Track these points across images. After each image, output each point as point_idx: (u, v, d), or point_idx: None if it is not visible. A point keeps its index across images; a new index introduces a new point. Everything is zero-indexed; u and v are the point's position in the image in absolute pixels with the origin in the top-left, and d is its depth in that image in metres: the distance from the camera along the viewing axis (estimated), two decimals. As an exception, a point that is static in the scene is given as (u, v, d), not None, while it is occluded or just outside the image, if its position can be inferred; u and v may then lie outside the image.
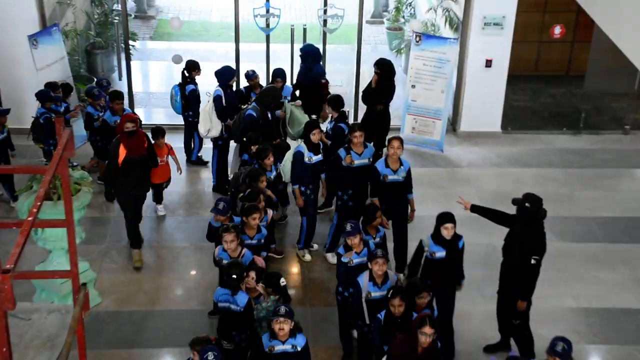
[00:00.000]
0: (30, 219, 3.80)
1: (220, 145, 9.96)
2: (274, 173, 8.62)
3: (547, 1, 13.12)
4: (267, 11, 11.54)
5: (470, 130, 11.68)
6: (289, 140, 9.64)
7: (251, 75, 10.07)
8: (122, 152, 8.27)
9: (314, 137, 8.51)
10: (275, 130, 9.64)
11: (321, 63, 10.63)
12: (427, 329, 5.99)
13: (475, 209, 7.66)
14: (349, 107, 10.92)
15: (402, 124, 11.36)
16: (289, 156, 8.88)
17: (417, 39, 11.03)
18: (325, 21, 11.71)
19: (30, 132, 9.64)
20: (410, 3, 14.32)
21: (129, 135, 8.28)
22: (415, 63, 11.10)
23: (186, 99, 10.17)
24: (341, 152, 8.47)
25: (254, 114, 9.21)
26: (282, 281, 6.87)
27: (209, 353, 5.88)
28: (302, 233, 8.95)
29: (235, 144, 9.94)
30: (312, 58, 10.32)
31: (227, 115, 9.65)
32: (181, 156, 10.36)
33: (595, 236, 9.63)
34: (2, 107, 10.05)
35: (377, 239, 7.59)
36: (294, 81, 10.73)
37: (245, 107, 9.49)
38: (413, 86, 11.16)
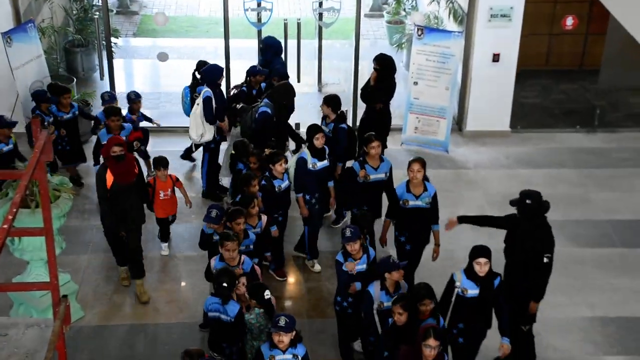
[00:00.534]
0: (5, 226, 3.82)
1: (211, 149, 9.97)
2: (285, 182, 8.47)
3: (558, -9, 13.20)
4: (259, 4, 11.59)
5: (477, 129, 11.71)
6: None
7: (258, 72, 10.08)
8: (109, 179, 8.02)
9: (318, 142, 8.46)
10: (286, 131, 9.70)
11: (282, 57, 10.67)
12: (432, 341, 6.01)
13: (464, 219, 7.69)
14: (347, 107, 10.94)
15: (404, 123, 11.39)
16: (292, 162, 8.81)
17: (419, 32, 11.07)
18: (320, 15, 11.76)
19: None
20: (412, -6, 14.37)
21: (116, 160, 8.01)
22: (417, 58, 11.13)
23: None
24: (355, 165, 8.33)
25: (269, 111, 9.29)
26: (267, 294, 6.87)
27: None
28: (304, 243, 8.98)
29: (225, 147, 9.96)
30: (273, 52, 10.37)
31: (217, 116, 9.65)
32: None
33: (611, 240, 9.66)
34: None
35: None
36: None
37: (255, 104, 9.56)
38: (415, 83, 11.19)
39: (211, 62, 10.18)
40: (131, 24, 15.75)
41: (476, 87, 11.51)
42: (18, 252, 7.66)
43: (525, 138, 11.78)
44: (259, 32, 11.94)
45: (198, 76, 10.19)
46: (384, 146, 10.34)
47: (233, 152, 9.10)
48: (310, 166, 8.47)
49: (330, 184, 8.88)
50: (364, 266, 7.21)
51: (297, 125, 11.41)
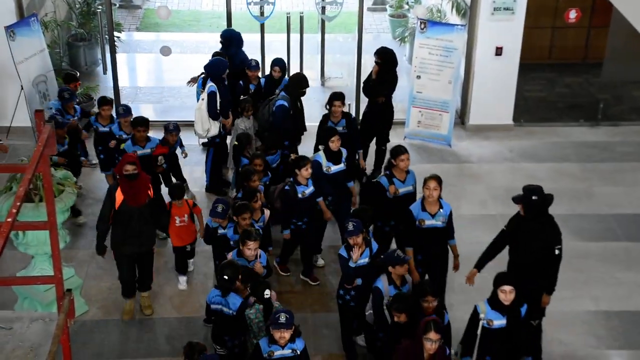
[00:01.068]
0: (9, 220, 3.82)
1: (216, 144, 9.93)
2: (310, 188, 8.20)
3: (561, -17, 13.17)
4: (261, -2, 11.58)
5: (480, 123, 11.69)
6: None
7: (254, 67, 10.06)
8: (119, 199, 7.53)
9: (333, 144, 8.32)
10: (301, 124, 9.67)
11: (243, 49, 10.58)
12: (432, 335, 6.01)
13: (480, 264, 7.42)
14: (349, 101, 10.93)
15: (407, 117, 11.38)
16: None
17: (422, 26, 11.05)
18: (323, 8, 11.75)
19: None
20: (415, -12, 14.34)
21: (128, 179, 7.51)
22: (420, 52, 11.12)
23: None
24: (382, 180, 8.06)
25: (286, 104, 9.31)
26: (267, 293, 6.85)
27: None
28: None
29: (230, 141, 9.94)
30: (235, 44, 10.28)
31: (222, 111, 9.62)
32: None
33: (615, 234, 9.64)
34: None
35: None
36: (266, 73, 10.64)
37: (272, 97, 9.57)
38: (418, 77, 11.17)
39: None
40: (134, 18, 15.73)
41: (479, 80, 11.48)
42: (22, 247, 7.67)
43: (529, 132, 11.75)
44: (262, 26, 11.93)
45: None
46: (387, 140, 10.33)
47: (236, 143, 9.09)
48: (324, 169, 8.34)
49: (351, 184, 8.73)
50: (367, 259, 7.20)
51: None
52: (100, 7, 12.82)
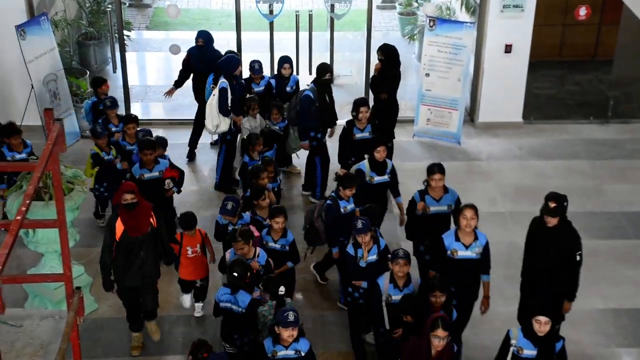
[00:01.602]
0: (18, 218, 3.84)
1: (228, 141, 9.96)
2: (351, 205, 7.97)
3: (571, -20, 13.11)
4: (270, -4, 11.58)
5: (490, 120, 11.66)
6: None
7: (257, 71, 10.08)
8: (120, 229, 7.19)
9: (379, 155, 8.17)
10: (330, 115, 9.68)
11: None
12: (440, 332, 6.00)
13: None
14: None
15: (416, 115, 11.36)
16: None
17: (431, 23, 11.03)
18: (332, 6, 11.73)
19: None
20: (424, -15, 14.31)
21: (127, 209, 7.16)
22: (429, 50, 11.09)
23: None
24: (415, 196, 7.79)
25: (311, 95, 9.44)
26: (281, 290, 6.86)
27: None
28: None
29: (238, 140, 9.96)
30: (212, 43, 10.28)
31: (233, 108, 9.65)
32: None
33: (625, 232, 9.61)
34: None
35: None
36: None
37: (302, 89, 9.68)
38: (427, 74, 11.15)
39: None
40: (144, 17, 15.76)
41: (488, 78, 11.45)
42: (32, 245, 7.71)
43: (538, 129, 11.72)
44: (271, 24, 11.94)
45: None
46: (392, 137, 10.31)
47: (244, 138, 9.11)
48: (367, 179, 8.23)
49: (399, 200, 8.48)
50: (375, 257, 7.21)
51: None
52: (110, 5, 12.87)
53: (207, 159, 10.85)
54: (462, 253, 7.06)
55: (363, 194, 8.08)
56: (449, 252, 7.06)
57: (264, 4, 11.58)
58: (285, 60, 10.08)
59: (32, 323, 4.78)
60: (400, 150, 10.82)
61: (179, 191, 8.89)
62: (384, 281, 6.95)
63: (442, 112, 11.22)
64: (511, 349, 6.30)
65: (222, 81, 9.58)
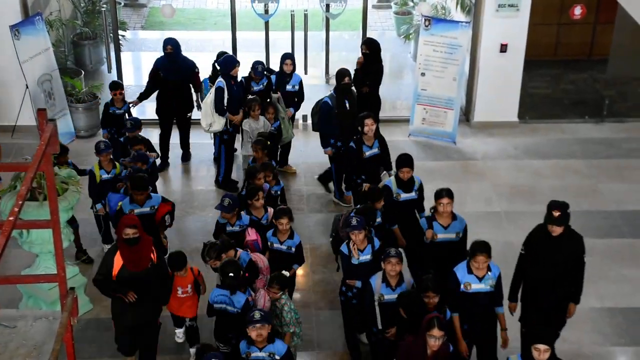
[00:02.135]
0: (11, 218, 3.82)
1: (226, 140, 9.97)
2: (379, 219, 7.81)
3: (566, -20, 13.11)
4: (266, -4, 11.57)
5: (485, 120, 11.66)
6: None
7: (259, 73, 10.05)
8: (118, 264, 6.83)
9: (403, 175, 7.98)
10: (349, 123, 9.26)
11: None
12: (436, 332, 5.99)
13: (513, 295, 7.19)
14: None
15: (412, 114, 11.36)
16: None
17: (427, 23, 11.03)
18: (327, 6, 11.72)
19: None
20: (419, -15, 14.31)
21: (128, 244, 6.81)
22: (424, 49, 11.10)
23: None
24: (422, 222, 7.55)
25: (329, 102, 9.48)
26: (285, 272, 7.06)
27: None
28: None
29: (241, 140, 9.94)
30: (176, 47, 10.09)
31: (229, 108, 9.63)
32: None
33: (620, 231, 9.61)
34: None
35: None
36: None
37: (323, 98, 9.75)
38: (423, 74, 11.15)
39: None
40: (139, 17, 15.75)
41: (484, 77, 11.45)
42: (27, 245, 7.69)
43: (534, 128, 11.72)
44: (266, 24, 11.93)
45: (218, 67, 10.18)
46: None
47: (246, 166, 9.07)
48: (394, 196, 8.06)
49: (423, 216, 8.02)
50: (369, 256, 7.19)
51: (304, 117, 11.40)
52: (105, 5, 12.84)
53: (203, 158, 10.84)
54: (476, 286, 6.81)
55: (390, 211, 7.96)
56: (462, 286, 6.81)
57: (259, 4, 11.58)
58: (287, 56, 10.12)
59: (26, 324, 4.75)
60: (396, 150, 10.68)
61: (170, 224, 8.49)
62: (376, 281, 6.93)
63: (438, 111, 11.23)
64: None
65: (219, 80, 9.61)
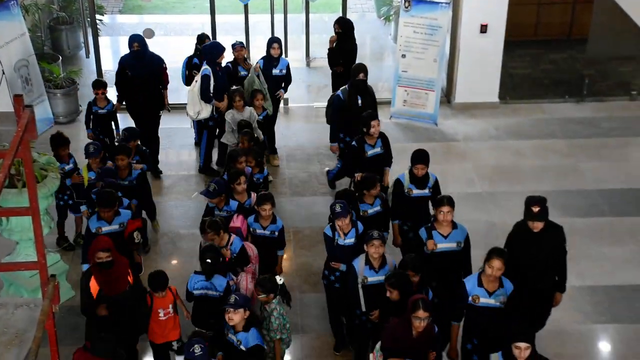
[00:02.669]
0: (-11, 206, 3.80)
1: (210, 127, 9.92)
2: (375, 208, 7.73)
3: (546, -41, 13.14)
4: (244, -21, 11.49)
5: (466, 101, 11.69)
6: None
7: (235, 45, 9.99)
8: (94, 289, 6.59)
9: (417, 171, 7.75)
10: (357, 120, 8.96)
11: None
12: (421, 313, 6.03)
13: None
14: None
15: (393, 96, 11.37)
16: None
17: (407, 4, 11.02)
18: (307, -12, 11.68)
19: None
20: (399, -34, 14.27)
21: (102, 268, 6.58)
22: (404, 31, 11.09)
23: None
24: (422, 233, 7.15)
25: (341, 96, 9.38)
26: (279, 279, 6.89)
27: (195, 346, 5.97)
28: None
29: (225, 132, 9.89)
30: (142, 44, 9.83)
31: (216, 95, 9.55)
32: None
33: (600, 210, 9.70)
34: None
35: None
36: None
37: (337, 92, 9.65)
38: (403, 56, 11.15)
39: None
40: (117, 1, 15.60)
41: (464, 58, 11.47)
42: (6, 233, 7.65)
43: (515, 109, 11.77)
44: (246, 7, 11.85)
45: (199, 47, 10.06)
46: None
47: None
48: (405, 190, 7.84)
49: None
50: (353, 240, 7.21)
51: (286, 100, 11.37)
52: (81, -11, 12.71)
53: (184, 143, 10.80)
54: (485, 300, 6.47)
55: (400, 206, 7.85)
56: (470, 299, 6.52)
57: (238, -13, 11.50)
58: (274, 40, 10.06)
59: (7, 312, 4.75)
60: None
61: (144, 244, 8.38)
62: (359, 263, 6.94)
63: (419, 93, 11.24)
64: None
65: (205, 67, 9.49)
